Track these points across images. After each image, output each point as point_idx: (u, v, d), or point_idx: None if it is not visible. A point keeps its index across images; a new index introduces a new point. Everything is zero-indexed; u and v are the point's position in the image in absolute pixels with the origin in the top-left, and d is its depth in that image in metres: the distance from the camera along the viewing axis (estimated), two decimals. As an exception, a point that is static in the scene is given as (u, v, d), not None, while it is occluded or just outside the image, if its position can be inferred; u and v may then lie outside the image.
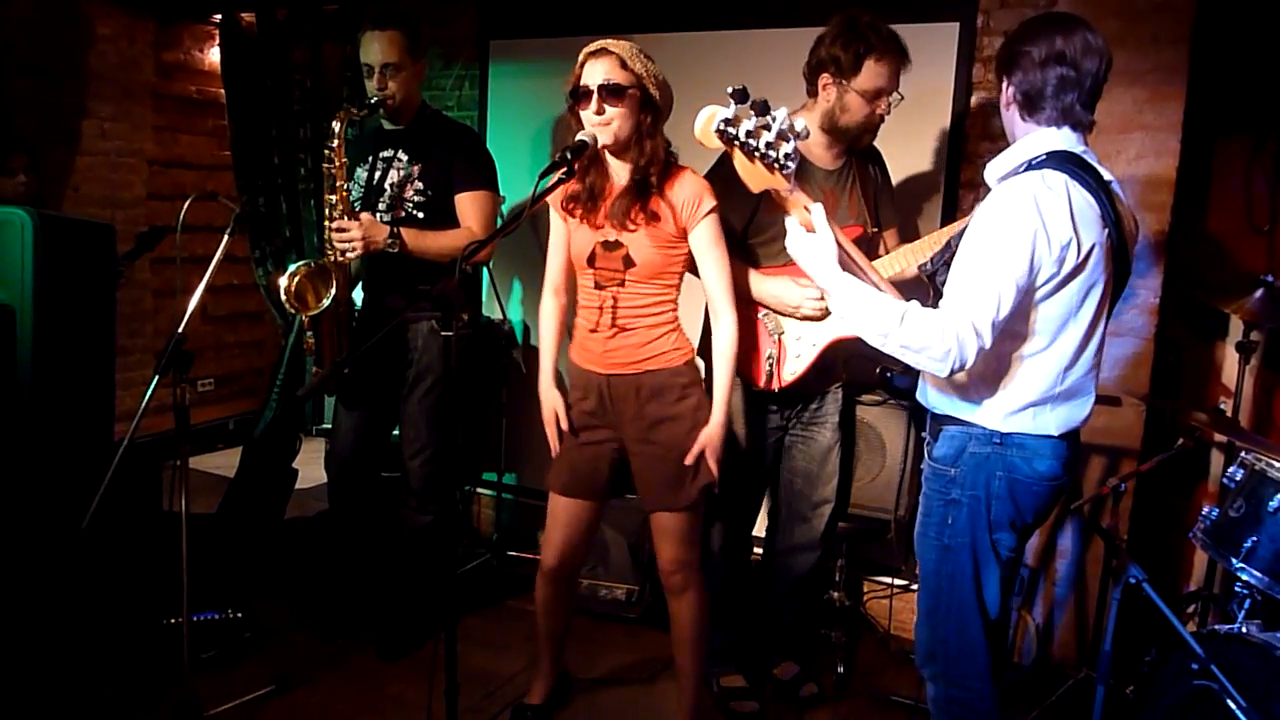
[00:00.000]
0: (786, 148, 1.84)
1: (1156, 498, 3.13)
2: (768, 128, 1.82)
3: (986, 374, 1.88)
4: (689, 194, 2.26)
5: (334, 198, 2.78)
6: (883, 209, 2.73)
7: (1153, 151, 2.86)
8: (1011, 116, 1.92)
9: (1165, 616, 2.15)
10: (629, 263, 2.29)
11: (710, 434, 2.31)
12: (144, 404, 2.24)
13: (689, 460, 2.30)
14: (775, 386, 2.57)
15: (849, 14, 2.48)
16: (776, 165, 1.85)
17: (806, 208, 1.90)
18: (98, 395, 2.74)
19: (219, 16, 4.53)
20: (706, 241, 2.29)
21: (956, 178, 3.12)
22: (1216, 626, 2.35)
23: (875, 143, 2.69)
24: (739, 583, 2.89)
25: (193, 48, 5.08)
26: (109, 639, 2.78)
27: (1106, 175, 1.87)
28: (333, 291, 2.79)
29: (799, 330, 2.56)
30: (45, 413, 2.54)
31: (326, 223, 2.80)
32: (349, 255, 2.76)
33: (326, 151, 2.78)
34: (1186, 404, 2.87)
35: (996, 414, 1.89)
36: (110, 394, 2.81)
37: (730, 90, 1.79)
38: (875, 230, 2.68)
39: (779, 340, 2.57)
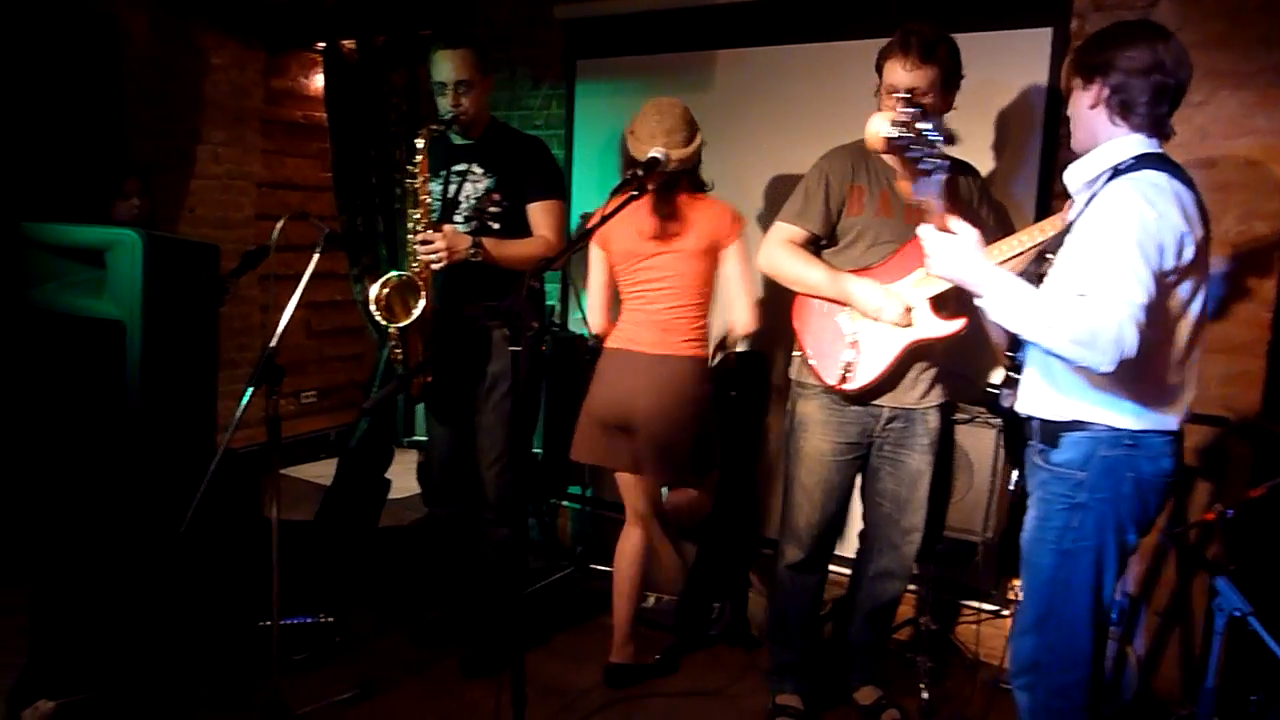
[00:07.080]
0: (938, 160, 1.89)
1: (1277, 527, 2.93)
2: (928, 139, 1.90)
3: (1119, 372, 1.81)
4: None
5: (417, 212, 2.84)
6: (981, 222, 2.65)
7: (1264, 157, 2.70)
8: (1096, 118, 1.90)
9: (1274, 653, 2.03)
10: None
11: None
12: (238, 415, 2.34)
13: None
14: (846, 388, 2.54)
15: (909, 25, 2.44)
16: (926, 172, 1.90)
17: (942, 214, 1.92)
18: (201, 405, 2.89)
19: (323, 44, 4.73)
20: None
21: (1050, 186, 3.00)
22: (1332, 665, 2.19)
23: (964, 152, 2.61)
24: (806, 602, 2.83)
25: (299, 74, 5.33)
26: (208, 638, 2.92)
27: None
28: (421, 303, 2.86)
29: (873, 334, 2.52)
30: (151, 422, 2.69)
31: (410, 236, 2.85)
32: (436, 266, 2.82)
33: (410, 168, 2.85)
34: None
35: (1132, 412, 1.87)
36: (213, 404, 2.96)
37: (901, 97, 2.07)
38: None
39: (854, 343, 2.52)
